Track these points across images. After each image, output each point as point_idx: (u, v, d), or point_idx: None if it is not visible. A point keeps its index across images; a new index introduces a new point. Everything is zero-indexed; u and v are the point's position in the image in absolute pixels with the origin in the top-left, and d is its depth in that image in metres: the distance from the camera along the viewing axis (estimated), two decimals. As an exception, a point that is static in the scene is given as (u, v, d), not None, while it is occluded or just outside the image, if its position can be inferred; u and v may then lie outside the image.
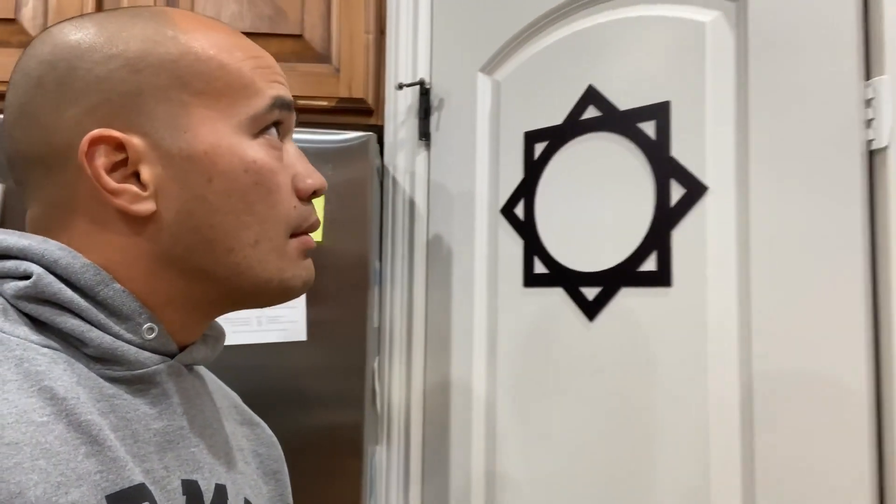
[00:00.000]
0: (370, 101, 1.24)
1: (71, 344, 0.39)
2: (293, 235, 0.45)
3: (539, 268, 1.02)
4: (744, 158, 0.82)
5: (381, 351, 1.23)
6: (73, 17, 0.43)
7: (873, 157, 0.75)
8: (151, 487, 0.38)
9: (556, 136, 1.01)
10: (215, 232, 0.42)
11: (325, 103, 1.22)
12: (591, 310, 0.95)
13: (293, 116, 0.46)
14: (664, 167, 0.89)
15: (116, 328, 0.40)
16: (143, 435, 0.40)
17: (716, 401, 0.83)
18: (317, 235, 0.65)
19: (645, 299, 0.90)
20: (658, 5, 0.91)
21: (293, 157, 0.46)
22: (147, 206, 0.40)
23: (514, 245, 1.05)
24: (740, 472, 0.80)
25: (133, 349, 0.40)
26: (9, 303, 0.39)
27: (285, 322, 1.04)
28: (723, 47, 0.85)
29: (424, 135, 1.20)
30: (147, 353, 0.41)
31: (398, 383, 1.21)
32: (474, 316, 1.10)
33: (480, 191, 1.11)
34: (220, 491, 0.44)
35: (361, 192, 1.08)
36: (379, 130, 1.26)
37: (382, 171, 1.26)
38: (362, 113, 1.26)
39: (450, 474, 1.11)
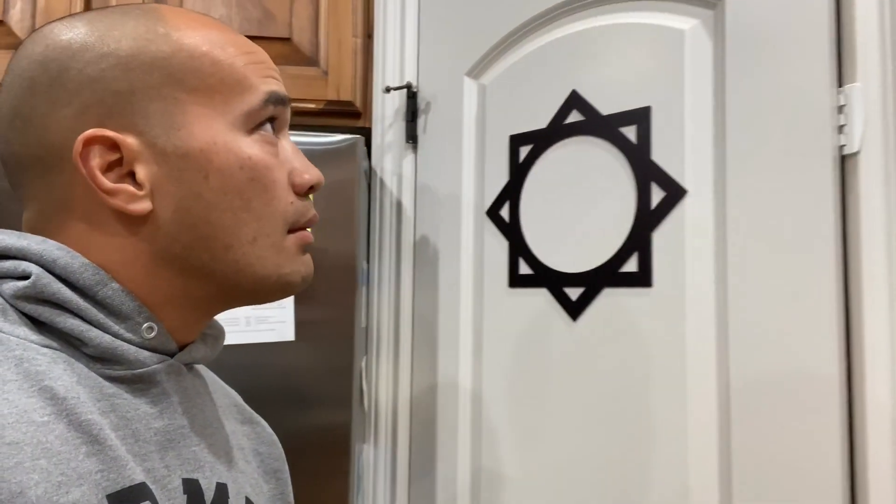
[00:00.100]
0: (358, 103, 1.26)
1: (71, 344, 0.39)
2: (291, 231, 0.45)
3: (524, 268, 1.04)
4: (721, 162, 0.84)
5: (368, 351, 1.24)
6: (64, 17, 0.43)
7: (845, 161, 0.78)
8: (152, 486, 0.38)
9: (541, 140, 1.03)
10: (213, 229, 0.41)
11: (313, 106, 1.23)
12: (574, 310, 0.97)
13: (288, 111, 0.46)
14: (645, 170, 0.91)
15: (116, 327, 0.40)
16: (144, 434, 0.40)
17: (694, 398, 0.85)
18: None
19: (626, 299, 0.92)
20: (639, 13, 0.93)
21: (289, 153, 0.45)
22: (143, 206, 0.40)
23: (499, 246, 1.07)
24: (717, 469, 0.82)
25: (133, 348, 0.40)
26: (8, 303, 0.39)
27: (274, 322, 1.05)
28: (701, 54, 0.87)
29: (411, 137, 1.21)
30: (147, 353, 0.41)
31: (385, 383, 1.22)
32: (460, 316, 1.11)
33: (467, 193, 1.13)
34: (221, 490, 0.44)
35: (349, 194, 1.09)
36: (367, 133, 1.27)
37: (370, 173, 1.27)
38: (350, 115, 1.27)
39: (436, 472, 1.13)
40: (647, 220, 0.90)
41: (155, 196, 0.41)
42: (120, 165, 0.40)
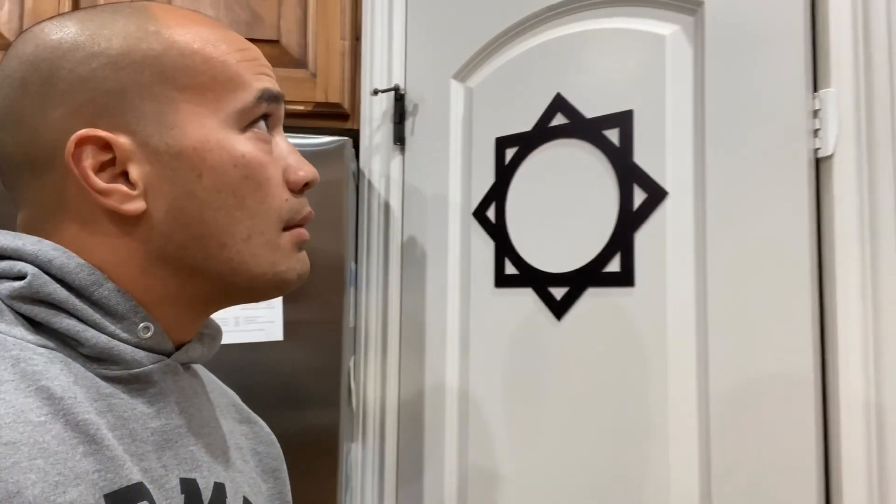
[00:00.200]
0: (346, 105, 1.27)
1: (67, 344, 0.39)
2: (286, 228, 0.45)
3: (510, 269, 1.05)
4: (701, 165, 0.86)
5: (356, 350, 1.25)
6: (54, 17, 0.42)
7: (820, 164, 0.80)
8: (149, 486, 0.38)
9: (526, 142, 1.05)
10: (207, 228, 0.41)
11: (301, 108, 1.24)
12: (559, 309, 0.99)
13: (282, 108, 0.45)
14: (627, 173, 0.93)
15: (112, 328, 0.39)
16: (141, 434, 0.40)
17: (675, 396, 0.87)
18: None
19: (609, 299, 0.94)
20: (621, 18, 0.95)
21: (283, 150, 0.45)
22: (137, 206, 0.40)
23: (485, 247, 1.09)
24: (697, 464, 0.84)
25: (129, 348, 0.40)
26: (4, 303, 0.38)
27: (262, 322, 1.06)
28: (682, 59, 0.89)
29: (399, 139, 1.23)
30: (143, 353, 0.41)
31: (373, 382, 1.23)
32: (447, 316, 1.13)
33: (453, 194, 1.14)
34: (219, 489, 0.44)
35: (337, 195, 1.10)
36: (355, 135, 1.28)
37: (358, 175, 1.29)
38: (338, 117, 1.28)
39: (424, 471, 1.14)
40: (629, 221, 0.92)
41: (148, 195, 0.40)
42: (113, 165, 0.40)
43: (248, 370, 1.05)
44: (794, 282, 0.79)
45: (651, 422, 0.88)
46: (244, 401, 0.59)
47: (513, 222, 1.05)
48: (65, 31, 0.40)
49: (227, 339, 1.04)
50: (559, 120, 1.01)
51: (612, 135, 0.95)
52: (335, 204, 1.10)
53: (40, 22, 0.42)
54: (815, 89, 0.81)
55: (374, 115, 1.27)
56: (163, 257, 0.41)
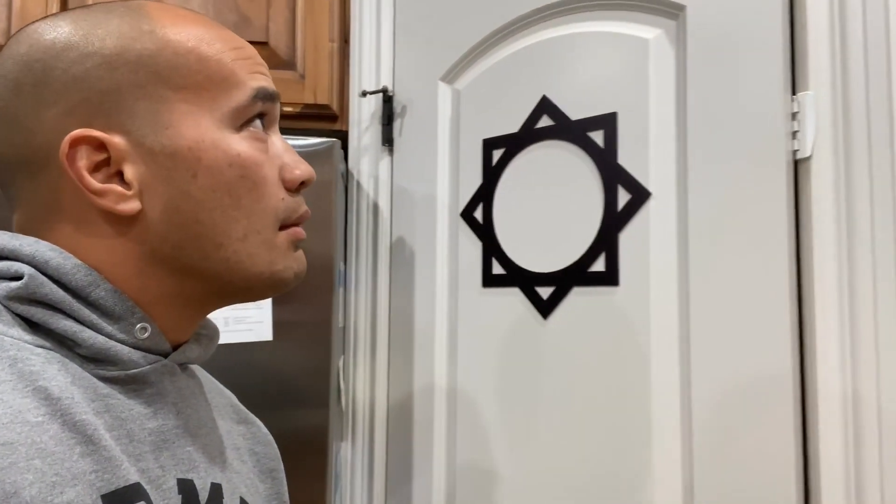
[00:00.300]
0: (335, 107, 1.28)
1: (64, 344, 0.39)
2: (283, 228, 0.44)
3: (497, 269, 1.07)
4: (683, 166, 0.88)
5: (345, 350, 1.26)
6: (48, 16, 0.42)
7: (798, 166, 0.82)
8: (147, 487, 0.38)
9: (513, 144, 1.06)
10: (203, 228, 0.41)
11: (290, 109, 1.25)
12: (545, 308, 1.00)
13: (277, 107, 0.45)
14: (612, 174, 0.94)
15: (109, 328, 0.39)
16: (138, 434, 0.39)
17: (658, 394, 0.88)
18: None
19: (595, 298, 0.95)
20: (606, 22, 0.97)
21: (279, 149, 0.45)
22: (132, 206, 0.40)
23: (473, 247, 1.10)
24: (680, 460, 0.86)
25: (126, 349, 0.40)
26: (1, 304, 0.38)
27: (251, 322, 1.06)
28: (664, 62, 0.91)
29: (387, 141, 1.24)
30: (140, 353, 0.41)
31: (363, 382, 1.24)
32: (436, 315, 1.14)
33: (441, 195, 1.15)
34: (216, 490, 0.44)
35: (326, 196, 1.11)
36: (343, 136, 1.29)
37: (347, 176, 1.29)
38: (327, 119, 1.29)
39: (413, 470, 1.15)
40: (613, 222, 0.94)
41: (144, 196, 0.40)
42: (108, 165, 0.40)
43: (237, 370, 1.06)
44: (773, 280, 0.80)
45: (635, 419, 0.90)
46: (235, 401, 0.59)
47: (500, 223, 1.07)
48: (58, 31, 0.40)
49: (216, 340, 1.04)
50: (545, 122, 1.02)
51: (597, 136, 0.96)
52: (324, 205, 1.11)
53: (34, 22, 0.42)
54: (794, 92, 0.82)
55: (363, 116, 1.28)
56: (159, 257, 0.41)
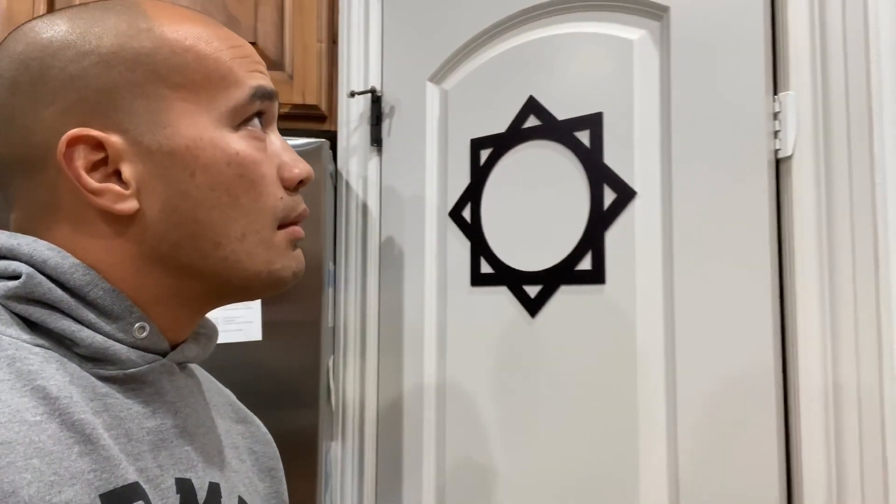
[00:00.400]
0: (323, 107, 1.28)
1: (63, 344, 0.39)
2: (281, 226, 0.44)
3: (485, 268, 1.07)
4: (667, 165, 0.89)
5: (335, 350, 1.26)
6: (44, 14, 0.42)
7: (780, 164, 0.83)
8: (145, 486, 0.38)
9: (500, 144, 1.07)
10: (201, 227, 0.41)
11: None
12: (533, 307, 1.01)
13: (276, 105, 0.45)
14: (598, 173, 0.95)
15: (107, 328, 0.39)
16: (137, 434, 0.39)
17: (644, 391, 0.89)
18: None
19: (581, 296, 0.96)
20: (591, 23, 0.98)
21: (277, 147, 0.44)
22: (130, 205, 0.40)
23: (461, 246, 1.11)
24: (665, 456, 0.87)
25: (124, 348, 0.40)
26: None
27: (241, 322, 1.07)
28: (649, 63, 0.92)
29: (376, 141, 1.24)
30: (139, 352, 0.41)
31: (352, 381, 1.25)
32: (425, 315, 1.14)
33: (430, 195, 1.16)
34: (214, 489, 0.44)
35: (315, 197, 1.11)
36: (332, 136, 1.29)
37: (336, 176, 1.30)
38: (316, 119, 1.29)
39: (403, 468, 1.16)
40: (599, 221, 0.95)
41: (141, 195, 0.40)
42: (105, 165, 0.40)
43: (227, 370, 1.06)
44: (756, 277, 0.82)
45: (622, 416, 0.91)
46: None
47: (488, 222, 1.08)
48: (55, 30, 0.40)
49: (205, 340, 1.04)
50: (532, 122, 1.03)
51: (583, 136, 0.97)
52: (313, 205, 1.11)
53: (30, 20, 0.42)
54: (776, 92, 0.84)
55: (352, 116, 1.28)
56: (157, 257, 0.41)
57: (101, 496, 0.35)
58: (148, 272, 0.41)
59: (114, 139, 0.39)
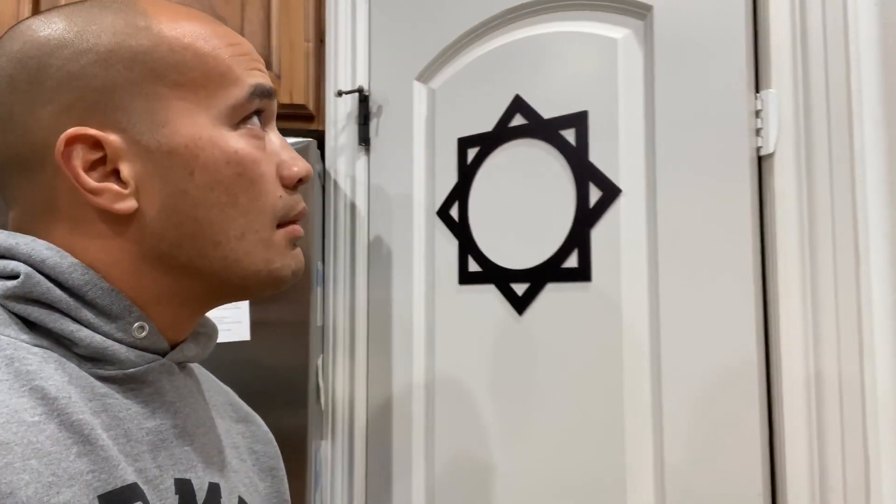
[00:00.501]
0: (311, 107, 1.28)
1: (61, 343, 0.39)
2: (280, 225, 0.44)
3: (473, 266, 1.08)
4: (652, 163, 0.90)
5: (324, 349, 1.27)
6: (42, 12, 0.41)
7: (762, 162, 0.84)
8: (144, 487, 0.38)
9: (487, 142, 1.07)
10: (200, 226, 0.41)
11: (266, 109, 1.25)
12: (520, 304, 1.02)
13: (274, 103, 0.45)
14: (583, 171, 0.96)
15: (106, 327, 0.39)
16: (136, 434, 0.39)
17: (630, 386, 0.90)
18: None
19: (568, 293, 0.97)
20: (576, 22, 0.98)
21: (276, 146, 0.44)
22: (128, 205, 0.40)
23: (449, 245, 1.11)
24: (651, 450, 0.88)
25: (123, 348, 0.40)
26: None
27: (229, 322, 1.07)
28: (633, 62, 0.93)
29: (364, 140, 1.24)
30: (138, 352, 0.40)
31: (342, 380, 1.25)
32: (413, 313, 1.15)
33: (418, 194, 1.16)
34: (213, 490, 0.44)
35: (304, 196, 1.11)
36: (320, 136, 1.29)
37: (324, 175, 1.30)
38: (303, 119, 1.29)
39: (392, 466, 1.16)
40: (585, 218, 0.95)
41: (140, 194, 0.40)
42: (103, 164, 0.39)
43: (215, 371, 1.06)
44: (739, 273, 0.83)
45: (608, 411, 0.92)
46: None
47: (475, 221, 1.08)
48: (52, 28, 0.40)
49: (193, 340, 1.04)
50: (518, 120, 1.04)
51: (569, 135, 0.98)
52: (301, 204, 1.11)
53: (27, 18, 0.41)
54: (757, 90, 0.85)
55: (339, 116, 1.28)
56: (156, 256, 0.41)
57: (100, 497, 0.35)
58: (147, 272, 0.41)
59: (112, 138, 0.39)
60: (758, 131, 0.84)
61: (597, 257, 0.94)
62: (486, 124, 1.07)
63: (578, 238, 0.96)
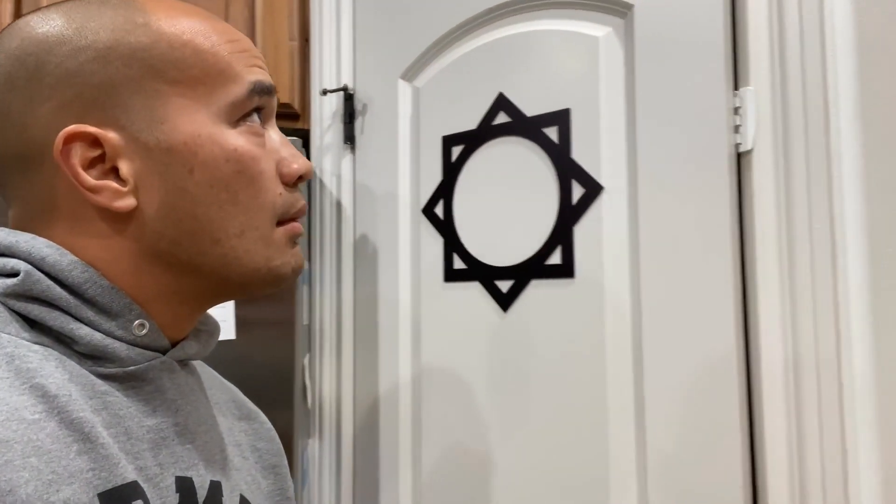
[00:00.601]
0: (296, 106, 1.28)
1: (61, 341, 0.38)
2: (280, 223, 0.44)
3: (458, 263, 1.08)
4: (633, 160, 0.91)
5: (311, 348, 1.27)
6: (39, 9, 0.41)
7: (741, 158, 0.85)
8: (144, 485, 0.38)
9: (471, 140, 1.08)
10: (199, 224, 0.41)
11: (251, 108, 1.25)
12: (505, 301, 1.03)
13: (274, 100, 0.45)
14: (566, 169, 0.97)
15: (106, 325, 0.39)
16: (136, 432, 0.39)
17: (613, 381, 0.91)
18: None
19: (552, 290, 0.98)
20: (557, 20, 0.99)
21: (276, 143, 0.44)
22: (128, 202, 0.39)
23: (434, 243, 1.12)
24: (634, 442, 0.89)
25: (124, 346, 0.39)
26: None
27: (214, 322, 1.06)
28: (614, 60, 0.93)
29: (349, 139, 1.25)
30: (138, 350, 0.40)
31: (329, 379, 1.25)
32: (399, 311, 1.15)
33: (403, 192, 1.17)
34: (215, 488, 0.43)
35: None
36: (305, 135, 1.29)
37: (310, 174, 1.30)
38: (289, 118, 1.29)
39: (380, 464, 1.17)
40: (568, 215, 0.96)
41: (139, 192, 0.40)
42: (102, 161, 0.39)
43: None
44: (719, 267, 0.84)
45: (591, 406, 0.92)
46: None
47: (460, 218, 1.09)
48: (51, 25, 0.40)
49: (178, 340, 1.04)
50: (502, 118, 1.04)
51: (552, 132, 0.99)
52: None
53: (25, 15, 0.41)
54: (736, 87, 0.86)
55: (324, 114, 1.29)
56: (155, 254, 0.41)
57: (100, 495, 0.35)
58: (146, 269, 0.41)
59: (111, 135, 0.39)
60: (737, 128, 0.85)
61: (580, 254, 0.95)
62: (471, 122, 1.08)
63: (562, 235, 0.97)
